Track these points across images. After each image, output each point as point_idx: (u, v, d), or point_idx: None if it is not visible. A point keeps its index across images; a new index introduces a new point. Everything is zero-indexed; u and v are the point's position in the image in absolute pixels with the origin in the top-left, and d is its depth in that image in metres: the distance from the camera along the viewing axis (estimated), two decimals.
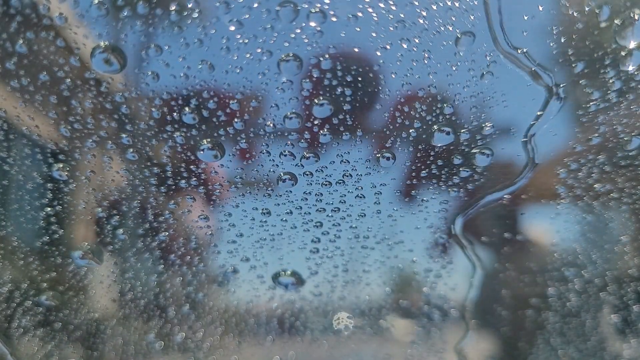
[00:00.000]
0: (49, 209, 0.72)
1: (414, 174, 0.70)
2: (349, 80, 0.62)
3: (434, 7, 0.61)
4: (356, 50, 0.61)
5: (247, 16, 0.58)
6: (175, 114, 0.65)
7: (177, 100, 0.64)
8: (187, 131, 0.65)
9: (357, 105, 0.64)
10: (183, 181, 0.69)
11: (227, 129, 0.65)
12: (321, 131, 0.64)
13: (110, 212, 0.72)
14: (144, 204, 0.72)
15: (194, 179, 0.69)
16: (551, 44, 0.62)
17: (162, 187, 0.70)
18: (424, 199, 0.71)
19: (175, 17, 0.60)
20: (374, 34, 0.60)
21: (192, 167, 0.68)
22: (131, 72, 0.64)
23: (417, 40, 0.61)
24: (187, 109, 0.63)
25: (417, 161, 0.70)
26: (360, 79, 0.62)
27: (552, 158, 0.68)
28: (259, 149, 0.66)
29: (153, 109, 0.65)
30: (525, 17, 0.60)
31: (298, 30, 0.59)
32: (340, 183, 0.68)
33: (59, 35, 0.61)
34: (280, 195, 0.69)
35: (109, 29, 0.63)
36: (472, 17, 0.60)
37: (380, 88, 0.64)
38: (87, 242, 0.74)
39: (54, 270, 0.76)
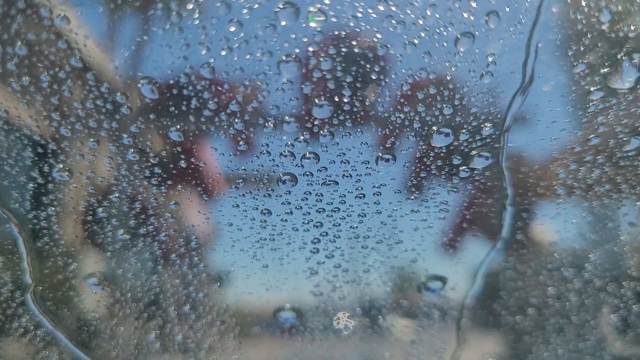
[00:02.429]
0: (50, 208, 0.72)
1: (414, 174, 0.70)
2: (349, 80, 0.62)
3: (434, 8, 0.61)
4: (356, 50, 0.61)
5: (247, 16, 0.58)
6: (175, 113, 0.65)
7: (178, 99, 0.64)
8: (187, 131, 0.66)
9: (357, 105, 0.64)
10: (182, 181, 0.69)
11: (228, 129, 0.65)
12: (321, 131, 0.64)
13: (110, 212, 0.73)
14: (144, 203, 0.72)
15: (193, 178, 0.69)
16: (551, 45, 0.62)
17: (162, 187, 0.70)
18: (424, 199, 0.71)
19: (176, 18, 0.60)
20: (373, 35, 0.61)
21: (191, 166, 0.68)
22: (132, 72, 0.64)
23: (417, 41, 0.61)
24: (187, 109, 0.64)
25: (417, 161, 0.70)
26: (360, 79, 0.62)
27: (552, 158, 0.68)
28: (259, 149, 0.66)
29: (153, 109, 0.65)
30: (525, 18, 0.60)
31: (298, 31, 0.59)
32: (340, 183, 0.68)
33: (60, 36, 0.62)
34: (281, 195, 0.69)
35: (110, 29, 0.64)
36: (472, 18, 0.61)
37: (380, 88, 0.64)
38: (100, 269, 0.75)
39: (54, 270, 0.77)
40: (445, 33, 0.61)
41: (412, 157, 0.70)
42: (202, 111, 0.64)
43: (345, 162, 0.67)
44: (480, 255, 0.78)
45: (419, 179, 0.70)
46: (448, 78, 0.64)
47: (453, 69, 0.63)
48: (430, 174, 0.71)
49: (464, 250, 0.77)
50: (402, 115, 0.66)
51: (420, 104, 0.65)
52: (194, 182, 0.70)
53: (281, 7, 0.58)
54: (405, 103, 0.65)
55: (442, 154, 0.68)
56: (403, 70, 0.63)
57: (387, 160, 0.67)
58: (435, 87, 0.64)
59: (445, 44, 0.62)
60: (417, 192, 0.71)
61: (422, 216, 0.73)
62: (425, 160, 0.70)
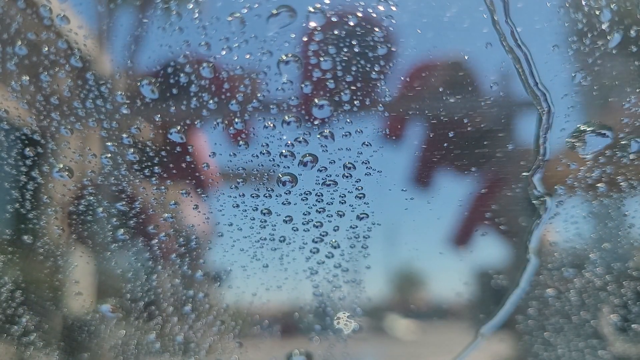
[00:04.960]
0: (49, 208, 0.72)
1: (415, 174, 0.70)
2: (348, 80, 0.62)
3: (435, 8, 0.61)
4: (356, 50, 0.61)
5: (247, 16, 0.58)
6: (175, 113, 0.65)
7: (178, 99, 0.64)
8: (187, 131, 0.66)
9: (357, 105, 0.64)
10: (182, 181, 0.69)
11: (228, 129, 0.65)
12: (321, 131, 0.64)
13: (110, 212, 0.73)
14: (144, 203, 0.72)
15: (193, 178, 0.69)
16: (552, 46, 0.62)
17: (162, 187, 0.70)
18: (426, 198, 0.71)
19: (176, 18, 0.60)
20: (374, 34, 0.61)
21: (190, 166, 0.68)
22: (132, 72, 0.64)
23: (417, 41, 0.61)
24: (187, 108, 0.64)
25: (418, 161, 0.70)
26: (360, 79, 0.62)
27: (552, 158, 0.68)
28: (259, 149, 0.66)
29: (153, 109, 0.65)
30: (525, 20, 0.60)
31: (298, 31, 0.59)
32: (340, 183, 0.68)
33: (60, 36, 0.62)
34: (280, 195, 0.69)
35: (110, 29, 0.64)
36: (473, 18, 0.61)
37: (380, 89, 0.64)
38: (114, 297, 0.76)
39: (54, 271, 0.77)
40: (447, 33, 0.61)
41: (413, 156, 0.70)
42: (202, 111, 0.64)
43: (345, 162, 0.67)
44: (479, 255, 0.78)
45: (420, 177, 0.70)
46: (450, 78, 0.64)
47: (454, 70, 0.63)
48: (431, 174, 0.71)
49: (465, 250, 0.77)
50: (402, 115, 0.66)
51: (421, 104, 0.65)
52: (193, 182, 0.70)
53: (281, 6, 0.58)
54: (406, 103, 0.65)
55: (444, 153, 0.68)
56: (404, 71, 0.63)
57: (387, 159, 0.67)
58: (438, 88, 0.64)
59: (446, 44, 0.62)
60: (418, 192, 0.71)
61: (423, 216, 0.73)
62: (427, 159, 0.70)
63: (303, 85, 0.62)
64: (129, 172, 0.69)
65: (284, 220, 0.71)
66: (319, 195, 0.69)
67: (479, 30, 0.61)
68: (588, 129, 0.63)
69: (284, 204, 0.69)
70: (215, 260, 0.76)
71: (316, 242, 0.73)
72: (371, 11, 0.59)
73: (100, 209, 0.72)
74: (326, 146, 0.65)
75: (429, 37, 0.62)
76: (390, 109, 0.65)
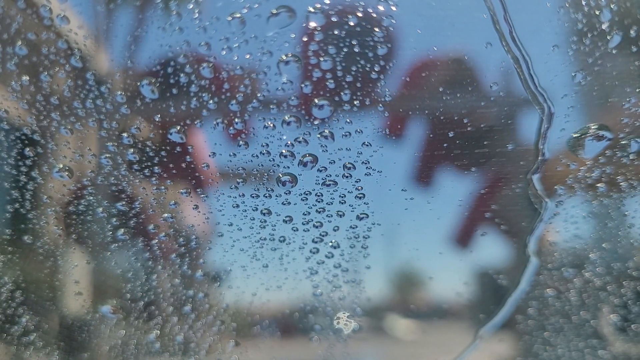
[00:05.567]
0: (49, 208, 0.72)
1: (415, 174, 0.70)
2: (348, 80, 0.62)
3: (435, 8, 0.61)
4: (356, 50, 0.61)
5: (247, 16, 0.58)
6: (175, 113, 0.65)
7: (178, 100, 0.64)
8: (187, 131, 0.66)
9: (357, 105, 0.64)
10: (182, 181, 0.69)
11: (228, 129, 0.65)
12: (321, 131, 0.64)
13: (111, 212, 0.73)
14: (144, 203, 0.72)
15: (193, 178, 0.69)
16: (552, 46, 0.62)
17: (162, 187, 0.70)
18: (425, 198, 0.71)
19: (176, 18, 0.60)
20: (373, 34, 0.61)
21: (190, 166, 0.68)
22: (132, 72, 0.64)
23: (417, 41, 0.61)
24: (187, 109, 0.64)
25: (418, 161, 0.70)
26: (360, 78, 0.62)
27: (552, 158, 0.68)
28: (259, 149, 0.66)
29: (153, 109, 0.65)
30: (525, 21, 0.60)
31: (298, 31, 0.59)
32: (340, 183, 0.68)
33: (60, 36, 0.62)
34: (280, 195, 0.69)
35: (110, 29, 0.64)
36: (473, 18, 0.61)
37: (380, 88, 0.64)
38: (115, 298, 0.76)
39: (54, 271, 0.77)
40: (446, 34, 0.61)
41: (413, 156, 0.70)
42: (202, 111, 0.64)
43: (345, 162, 0.67)
44: (479, 255, 0.78)
45: (420, 177, 0.70)
46: (450, 79, 0.64)
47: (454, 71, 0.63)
48: (431, 174, 0.71)
49: (465, 250, 0.77)
50: (402, 115, 0.66)
51: (421, 105, 0.65)
52: (193, 182, 0.70)
53: (280, 7, 0.58)
54: (406, 103, 0.65)
55: (444, 153, 0.68)
56: (404, 71, 0.63)
57: (387, 159, 0.67)
58: (438, 88, 0.64)
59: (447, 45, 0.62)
60: (418, 192, 0.71)
61: (423, 216, 0.73)
62: (426, 159, 0.70)
63: (303, 85, 0.62)
64: (128, 172, 0.69)
65: (283, 220, 0.71)
66: (318, 196, 0.69)
67: (479, 30, 0.61)
68: (588, 130, 0.63)
69: (284, 204, 0.69)
70: (215, 260, 0.76)
71: (316, 242, 0.73)
72: (371, 11, 0.59)
73: (100, 209, 0.72)
74: (326, 146, 0.65)
75: (429, 37, 0.62)
76: (390, 108, 0.65)
